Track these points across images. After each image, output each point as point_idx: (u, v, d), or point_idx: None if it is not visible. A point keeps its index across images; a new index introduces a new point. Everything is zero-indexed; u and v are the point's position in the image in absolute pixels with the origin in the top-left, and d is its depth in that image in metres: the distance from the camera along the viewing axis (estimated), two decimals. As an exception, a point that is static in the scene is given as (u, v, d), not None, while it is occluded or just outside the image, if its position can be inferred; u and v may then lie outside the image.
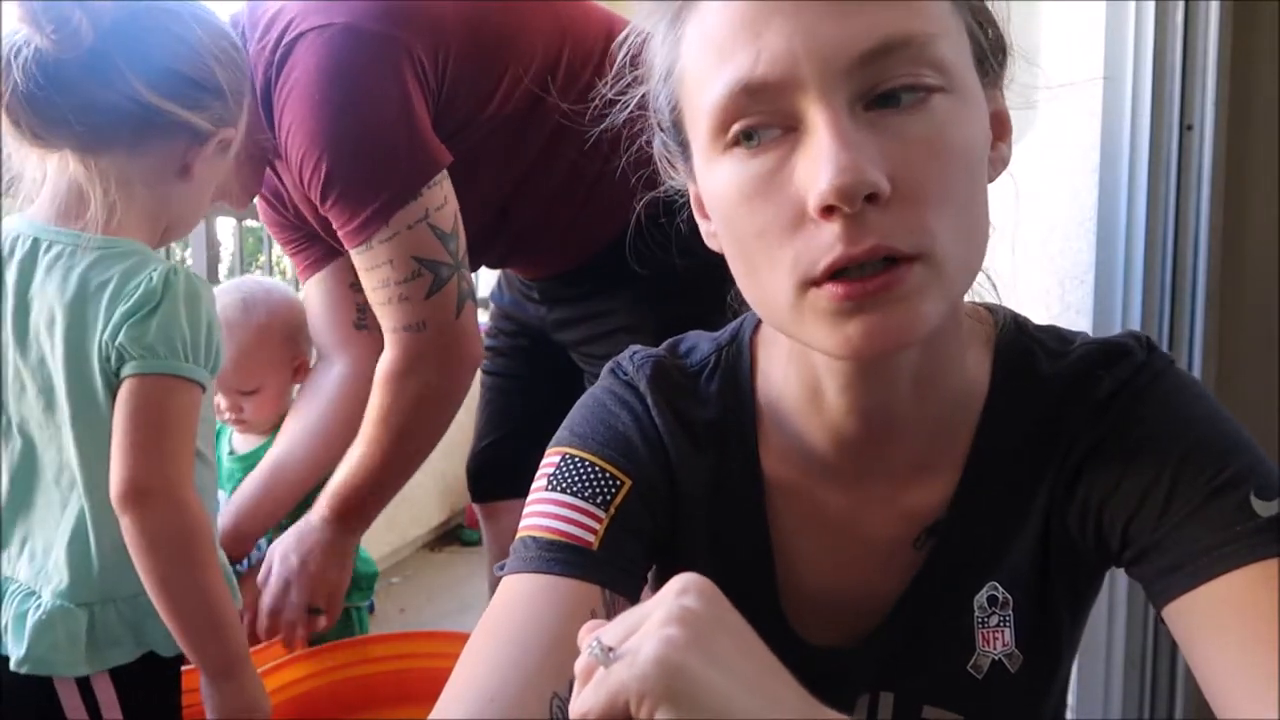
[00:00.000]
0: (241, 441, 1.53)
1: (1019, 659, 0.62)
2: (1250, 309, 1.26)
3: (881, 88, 0.47)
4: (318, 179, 1.07)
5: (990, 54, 0.54)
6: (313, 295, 1.41)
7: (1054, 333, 0.64)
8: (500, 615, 0.59)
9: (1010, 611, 0.62)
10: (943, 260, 0.48)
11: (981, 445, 0.61)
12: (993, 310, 0.65)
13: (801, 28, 0.47)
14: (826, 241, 0.47)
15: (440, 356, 1.12)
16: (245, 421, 1.49)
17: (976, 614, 0.62)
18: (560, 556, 0.60)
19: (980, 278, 0.58)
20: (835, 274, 0.48)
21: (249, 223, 2.71)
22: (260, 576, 1.21)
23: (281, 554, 1.20)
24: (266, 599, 1.19)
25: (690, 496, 0.66)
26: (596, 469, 0.64)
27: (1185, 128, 1.20)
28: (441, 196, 1.09)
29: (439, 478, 3.29)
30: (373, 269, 1.10)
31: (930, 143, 0.48)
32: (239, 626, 0.98)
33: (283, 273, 2.95)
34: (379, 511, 1.23)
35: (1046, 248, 1.38)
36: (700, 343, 0.69)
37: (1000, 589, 0.62)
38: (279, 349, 1.48)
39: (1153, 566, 0.56)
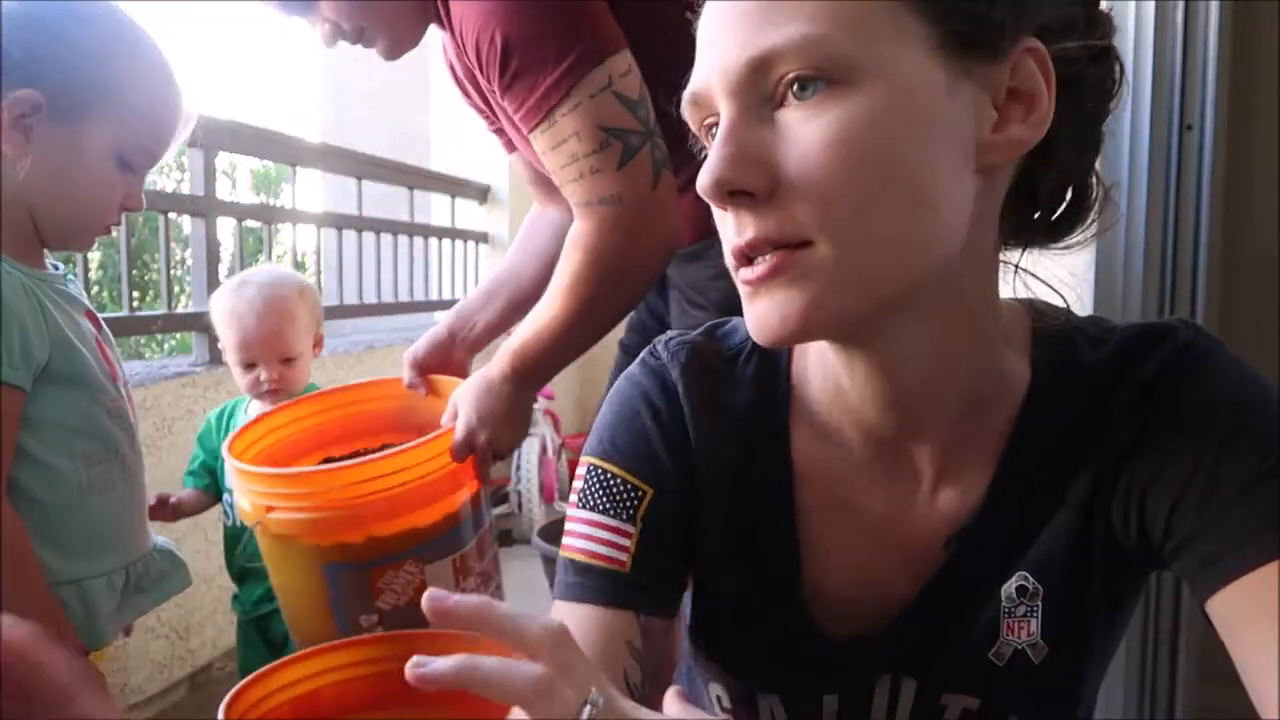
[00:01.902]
0: (256, 408, 1.66)
1: (1044, 650, 0.61)
2: (1250, 309, 1.26)
3: (774, 91, 0.50)
4: (495, 56, 1.04)
5: (977, 33, 0.50)
6: (521, 168, 1.46)
7: (1096, 321, 0.63)
8: None
9: (1039, 602, 0.60)
10: (833, 250, 0.49)
11: (1019, 439, 0.60)
12: (1039, 305, 0.64)
13: (718, 43, 0.52)
14: (729, 235, 0.53)
15: (636, 231, 1.07)
16: (281, 390, 1.62)
17: (1004, 604, 0.61)
18: (595, 584, 0.63)
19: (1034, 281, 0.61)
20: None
21: (249, 223, 2.71)
22: (445, 418, 1.21)
23: (465, 403, 1.19)
24: (456, 439, 1.19)
25: (713, 484, 0.65)
26: (619, 481, 0.65)
27: (1185, 128, 1.20)
28: (625, 64, 1.04)
29: (439, 478, 3.29)
30: (558, 146, 1.06)
31: (823, 139, 0.48)
32: (65, 630, 0.91)
33: (283, 273, 2.96)
34: (557, 373, 1.21)
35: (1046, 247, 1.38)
36: (740, 325, 0.68)
37: (1030, 579, 0.60)
38: (308, 320, 1.68)
39: (1194, 556, 0.53)
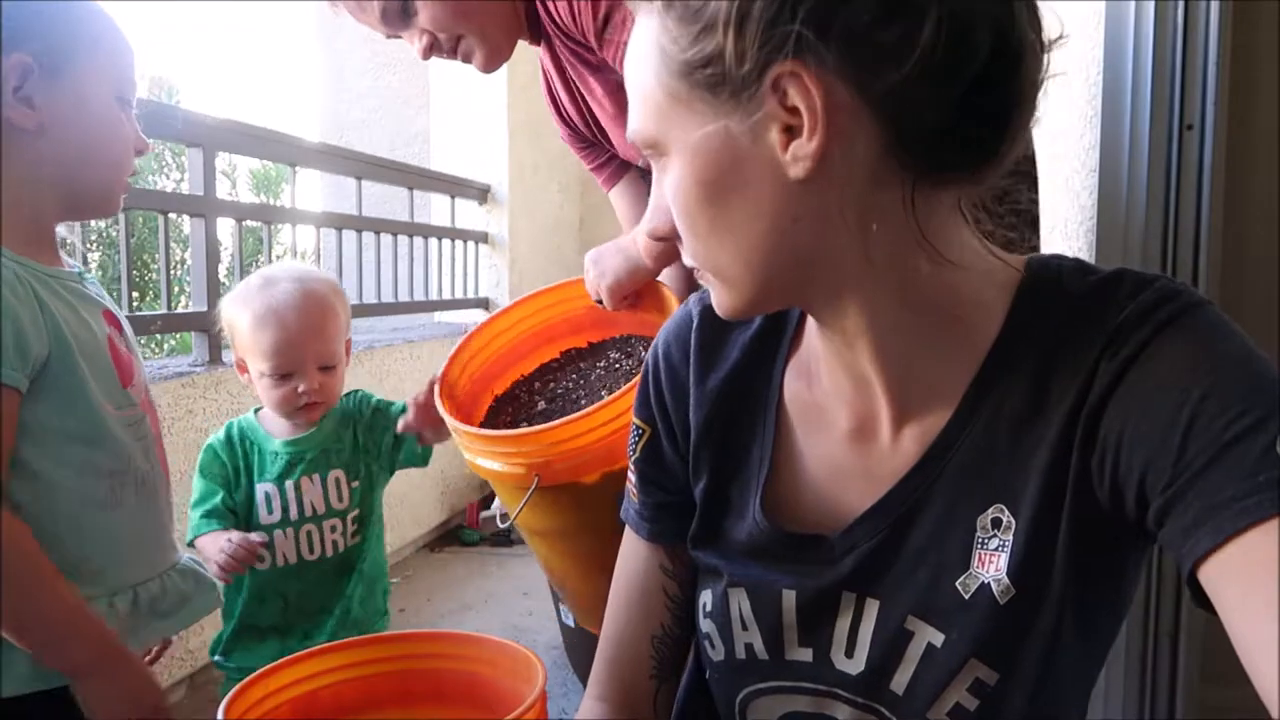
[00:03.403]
0: (289, 429, 1.48)
1: (1009, 592, 0.60)
2: (1250, 309, 1.26)
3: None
4: (587, 5, 1.14)
5: (720, 78, 0.55)
6: (619, 202, 1.59)
7: (1085, 262, 0.64)
8: (618, 566, 0.82)
9: (1011, 536, 0.60)
10: (708, 269, 0.63)
11: (991, 367, 0.62)
12: (1039, 255, 0.65)
13: None
14: None
15: None
16: (320, 403, 1.44)
17: (978, 534, 0.61)
18: (629, 516, 0.80)
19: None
20: None
21: (249, 223, 2.71)
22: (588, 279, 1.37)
23: (594, 250, 1.35)
24: (587, 283, 1.37)
25: (709, 397, 0.73)
26: (633, 425, 0.79)
27: (1185, 128, 1.20)
28: None
29: (439, 478, 3.29)
30: None
31: (668, 196, 0.62)
32: (90, 622, 0.92)
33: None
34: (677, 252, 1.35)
35: (1047, 248, 1.38)
36: None
37: (1005, 512, 0.61)
38: (345, 320, 1.49)
39: (1178, 524, 0.52)
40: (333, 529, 1.46)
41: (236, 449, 1.46)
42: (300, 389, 1.40)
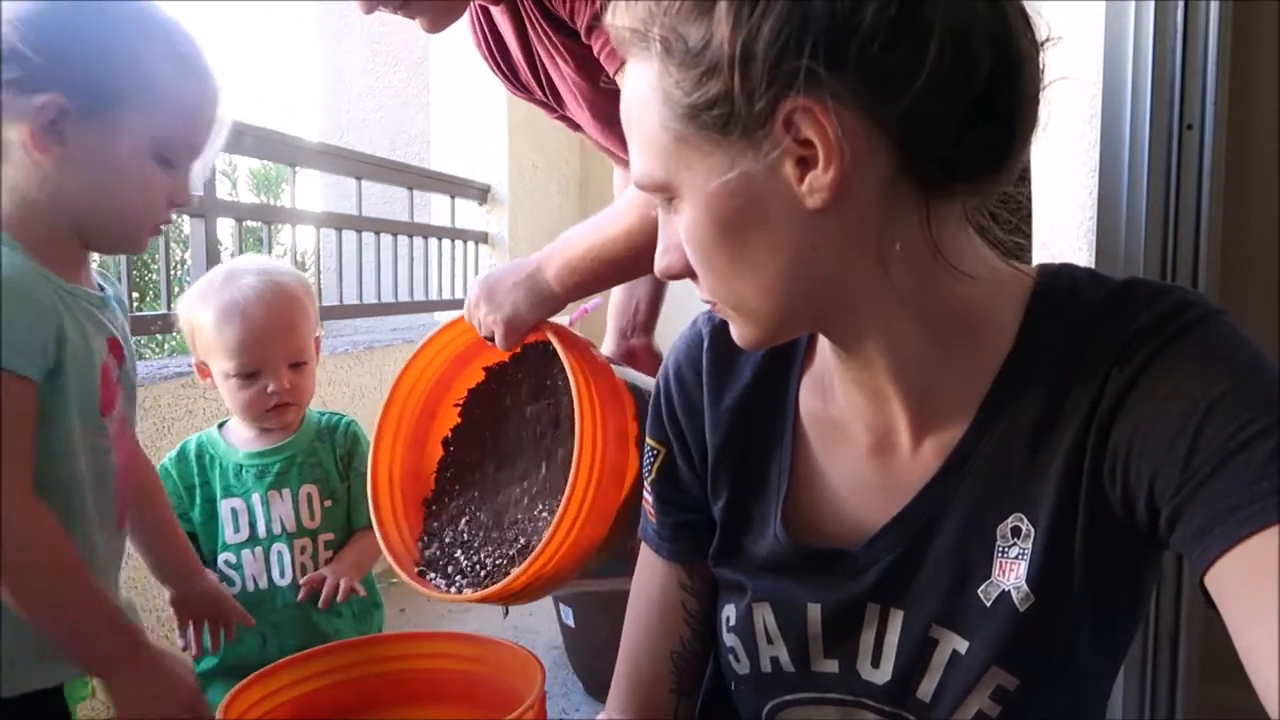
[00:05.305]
0: (256, 440, 1.39)
1: (1029, 599, 0.61)
2: (1250, 309, 1.26)
3: None
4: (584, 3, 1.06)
5: (728, 119, 0.55)
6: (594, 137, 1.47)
7: (1099, 272, 0.64)
8: (636, 583, 0.82)
9: (1030, 545, 0.61)
10: (726, 304, 0.63)
11: (1006, 378, 0.62)
12: (1049, 264, 0.66)
13: None
14: None
15: None
16: (291, 404, 1.35)
17: (998, 542, 0.62)
18: (648, 535, 0.80)
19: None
20: None
21: (249, 223, 2.71)
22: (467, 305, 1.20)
23: (484, 278, 1.18)
24: (465, 310, 1.19)
25: (724, 417, 0.74)
26: (648, 445, 0.80)
27: (1185, 128, 1.20)
28: None
29: (439, 478, 3.29)
30: None
31: (684, 238, 0.61)
32: (117, 615, 0.93)
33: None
34: (592, 288, 1.18)
35: (1047, 248, 1.38)
36: None
37: (1025, 521, 0.61)
38: (314, 316, 1.40)
39: (1186, 531, 0.53)
40: (303, 549, 1.34)
41: (191, 464, 1.37)
42: (270, 389, 1.31)
